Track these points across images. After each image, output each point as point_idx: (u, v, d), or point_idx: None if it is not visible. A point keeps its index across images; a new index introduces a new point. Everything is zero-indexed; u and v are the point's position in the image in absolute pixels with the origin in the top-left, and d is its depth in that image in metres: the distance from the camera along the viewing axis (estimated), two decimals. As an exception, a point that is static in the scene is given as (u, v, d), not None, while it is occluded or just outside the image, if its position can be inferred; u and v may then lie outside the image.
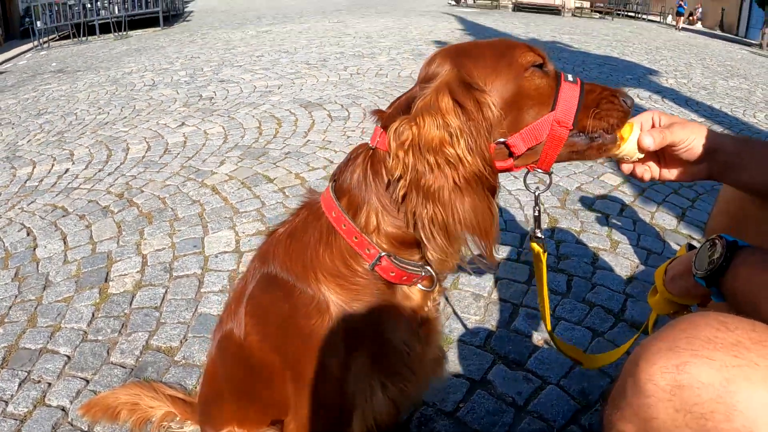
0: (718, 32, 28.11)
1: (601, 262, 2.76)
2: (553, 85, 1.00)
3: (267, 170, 3.84)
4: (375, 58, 8.58)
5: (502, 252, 2.78)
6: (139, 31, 18.28)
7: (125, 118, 5.75)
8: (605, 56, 10.83)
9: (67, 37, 19.25)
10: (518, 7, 24.73)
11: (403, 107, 0.98)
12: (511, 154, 0.99)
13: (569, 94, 0.99)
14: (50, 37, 19.26)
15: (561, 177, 3.75)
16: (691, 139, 1.10)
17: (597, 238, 3.00)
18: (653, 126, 1.15)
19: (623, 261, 2.78)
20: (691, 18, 26.25)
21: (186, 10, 26.74)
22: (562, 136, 0.98)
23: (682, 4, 24.98)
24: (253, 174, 3.80)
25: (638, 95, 7.07)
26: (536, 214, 1.19)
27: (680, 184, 3.81)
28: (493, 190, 0.97)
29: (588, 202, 3.47)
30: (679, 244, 2.96)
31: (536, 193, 1.16)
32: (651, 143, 1.08)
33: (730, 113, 6.81)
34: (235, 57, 9.43)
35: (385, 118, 1.01)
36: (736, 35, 27.11)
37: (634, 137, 1.08)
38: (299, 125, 4.90)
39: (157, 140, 4.80)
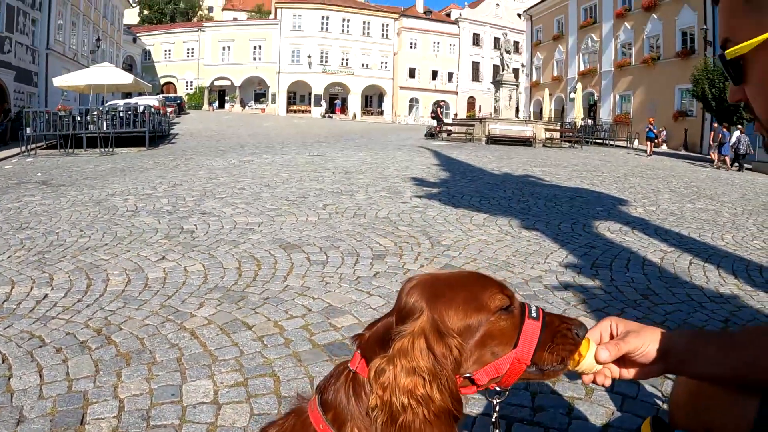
0: (683, 152, 29.43)
1: (576, 411, 2.82)
2: (517, 324, 1.12)
3: (246, 316, 3.91)
4: (353, 196, 8.87)
5: (478, 407, 2.85)
6: (125, 150, 18.61)
7: (106, 245, 5.86)
8: (576, 188, 11.29)
9: (54, 147, 19.62)
10: (491, 140, 25.71)
11: (381, 336, 1.10)
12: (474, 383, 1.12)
13: (530, 333, 1.12)
14: (38, 144, 19.65)
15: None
16: (645, 345, 1.20)
17: (572, 386, 3.05)
18: (611, 335, 1.27)
19: (598, 408, 2.84)
20: (656, 141, 27.40)
21: (171, 132, 27.35)
22: (520, 369, 1.11)
23: (651, 128, 25.53)
24: (232, 319, 3.86)
25: (609, 228, 7.31)
26: (494, 419, 1.29)
27: (646, 317, 4.02)
28: (458, 418, 1.08)
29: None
30: (654, 386, 3.06)
31: (495, 401, 1.27)
32: (607, 357, 1.19)
33: (698, 238, 7.07)
34: (217, 187, 9.67)
35: (363, 345, 1.13)
36: (700, 153, 28.62)
37: (591, 353, 1.20)
38: (278, 268, 5.02)
39: (137, 273, 4.90)
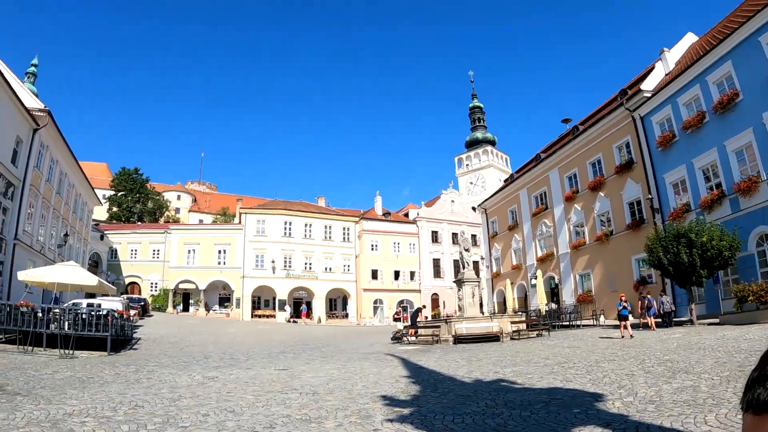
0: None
1: None
2: None
3: None
4: (322, 424, 8.25)
5: None
6: (86, 353, 18.17)
7: (61, 490, 5.48)
8: (550, 389, 10.80)
9: (13, 341, 19.12)
10: (458, 340, 25.41)
11: None
12: None
13: None
14: None
15: None
16: None
17: None
18: None
19: None
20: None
21: (134, 336, 26.90)
22: None
23: (626, 305, 23.53)
24: None
25: (589, 436, 6.79)
26: None
27: None
28: None
29: None
30: None
31: None
32: None
33: (681, 428, 6.70)
34: (180, 412, 9.21)
35: None
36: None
37: None
38: None
39: None
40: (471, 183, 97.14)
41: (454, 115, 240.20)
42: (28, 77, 75.06)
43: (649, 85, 35.59)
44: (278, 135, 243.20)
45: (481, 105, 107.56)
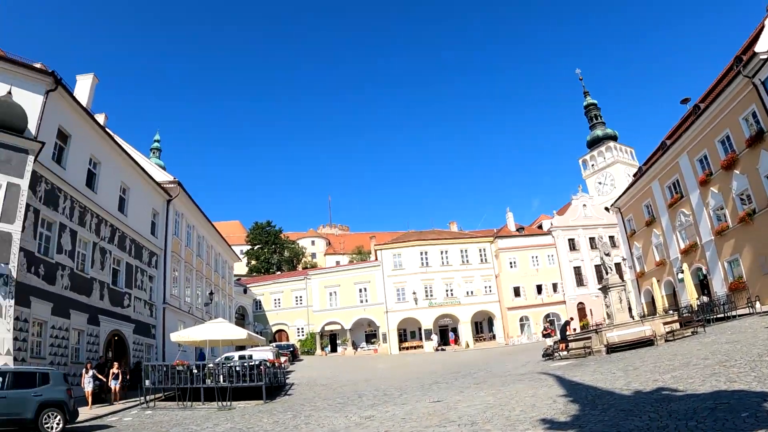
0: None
1: None
2: None
3: None
4: (489, 460, 8.06)
5: None
6: (242, 403, 18.82)
7: None
8: (714, 392, 10.06)
9: (172, 398, 20.38)
10: (611, 349, 24.37)
11: None
12: None
13: None
14: (156, 396, 20.65)
15: None
16: None
17: None
18: None
19: None
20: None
21: (287, 382, 27.69)
22: None
23: None
24: None
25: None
26: None
27: None
28: None
29: None
30: None
31: None
32: None
33: None
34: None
35: None
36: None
37: None
38: None
39: None
40: (599, 183, 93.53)
41: (569, 117, 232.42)
42: (153, 152, 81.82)
43: (763, 46, 32.49)
44: (401, 167, 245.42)
45: (595, 101, 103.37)
